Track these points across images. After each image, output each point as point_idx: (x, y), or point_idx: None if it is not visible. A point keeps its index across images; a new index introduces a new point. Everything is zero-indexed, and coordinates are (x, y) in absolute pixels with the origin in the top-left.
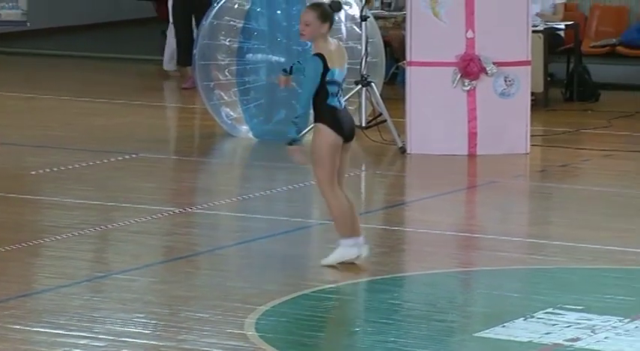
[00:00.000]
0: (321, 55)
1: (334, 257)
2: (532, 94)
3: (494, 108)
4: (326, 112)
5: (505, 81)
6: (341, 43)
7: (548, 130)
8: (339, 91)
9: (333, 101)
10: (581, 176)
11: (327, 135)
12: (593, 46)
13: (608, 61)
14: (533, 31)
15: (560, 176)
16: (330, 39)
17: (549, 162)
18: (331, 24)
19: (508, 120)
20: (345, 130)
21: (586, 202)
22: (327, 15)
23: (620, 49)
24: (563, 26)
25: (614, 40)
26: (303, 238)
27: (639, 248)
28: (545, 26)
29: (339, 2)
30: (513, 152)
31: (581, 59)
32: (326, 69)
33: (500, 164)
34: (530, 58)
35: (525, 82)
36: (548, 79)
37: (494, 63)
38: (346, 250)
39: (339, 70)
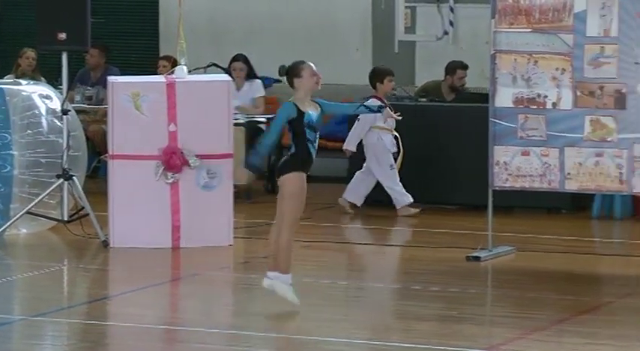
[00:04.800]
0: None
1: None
2: (235, 186)
3: (198, 200)
4: None
5: (207, 173)
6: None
7: (251, 221)
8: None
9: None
10: None
11: None
12: None
13: None
14: (235, 124)
15: (263, 267)
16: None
17: (252, 253)
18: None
19: (211, 212)
20: None
21: None
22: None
23: (321, 141)
24: (264, 119)
25: None
26: (4, 335)
27: (343, 338)
28: (247, 119)
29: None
30: (217, 244)
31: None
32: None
33: (203, 256)
34: (232, 151)
35: (227, 174)
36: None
37: (196, 156)
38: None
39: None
